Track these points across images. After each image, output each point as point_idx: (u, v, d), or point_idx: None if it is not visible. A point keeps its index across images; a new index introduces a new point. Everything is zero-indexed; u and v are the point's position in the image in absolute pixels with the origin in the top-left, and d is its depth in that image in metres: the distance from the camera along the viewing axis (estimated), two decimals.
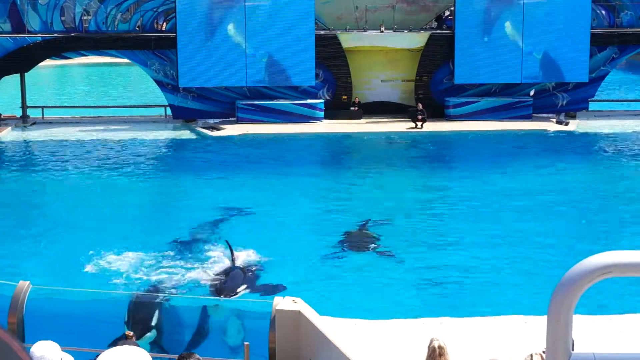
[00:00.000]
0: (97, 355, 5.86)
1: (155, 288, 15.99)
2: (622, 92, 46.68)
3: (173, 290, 15.99)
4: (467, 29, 35.08)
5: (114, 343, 10.51)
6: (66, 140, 32.67)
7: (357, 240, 19.69)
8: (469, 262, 18.15)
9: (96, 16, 35.38)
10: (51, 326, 10.34)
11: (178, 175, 27.35)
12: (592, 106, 37.11)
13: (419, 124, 33.71)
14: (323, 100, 35.48)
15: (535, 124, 34.61)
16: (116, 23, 35.52)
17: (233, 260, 17.53)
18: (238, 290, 15.99)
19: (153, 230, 20.83)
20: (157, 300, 12.31)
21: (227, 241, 18.29)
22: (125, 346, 3.95)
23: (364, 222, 20.87)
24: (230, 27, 34.46)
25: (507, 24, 34.98)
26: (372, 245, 19.23)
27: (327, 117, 35.15)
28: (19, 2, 35.01)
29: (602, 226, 21.28)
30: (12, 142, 32.83)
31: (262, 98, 35.38)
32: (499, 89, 36.12)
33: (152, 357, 10.99)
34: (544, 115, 36.06)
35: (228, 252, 18.13)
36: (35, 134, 34.00)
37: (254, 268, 17.49)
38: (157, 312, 11.32)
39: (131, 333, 10.84)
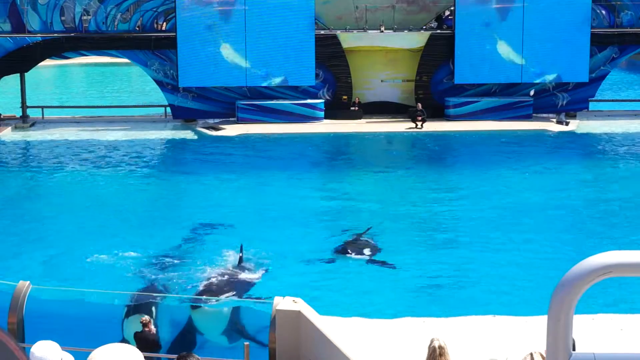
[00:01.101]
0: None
1: (154, 288, 15.97)
2: (622, 92, 46.63)
3: (172, 291, 15.97)
4: (467, 29, 35.06)
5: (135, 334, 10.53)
6: (66, 140, 32.65)
7: (356, 241, 19.64)
8: (469, 263, 18.15)
9: (96, 16, 35.37)
10: (51, 326, 10.33)
11: (178, 176, 27.33)
12: (592, 106, 37.11)
13: (419, 124, 33.70)
14: (323, 100, 35.45)
15: (535, 124, 34.58)
16: (116, 23, 35.51)
17: (240, 261, 17.47)
18: (237, 291, 15.97)
19: (152, 231, 20.82)
20: (155, 301, 12.30)
21: (241, 245, 18.05)
22: (118, 344, 3.91)
23: (365, 229, 20.73)
24: (230, 27, 34.43)
25: (507, 24, 34.95)
26: (372, 246, 19.19)
27: (327, 117, 35.12)
28: (19, 2, 34.99)
29: (603, 226, 21.27)
30: (12, 142, 32.81)
31: (262, 98, 35.36)
32: (499, 89, 36.09)
33: (153, 358, 11.00)
34: (544, 115, 36.03)
35: (228, 252, 18.11)
36: (35, 134, 33.99)
37: (253, 268, 17.47)
38: (154, 314, 11.31)
39: (148, 318, 10.81)
